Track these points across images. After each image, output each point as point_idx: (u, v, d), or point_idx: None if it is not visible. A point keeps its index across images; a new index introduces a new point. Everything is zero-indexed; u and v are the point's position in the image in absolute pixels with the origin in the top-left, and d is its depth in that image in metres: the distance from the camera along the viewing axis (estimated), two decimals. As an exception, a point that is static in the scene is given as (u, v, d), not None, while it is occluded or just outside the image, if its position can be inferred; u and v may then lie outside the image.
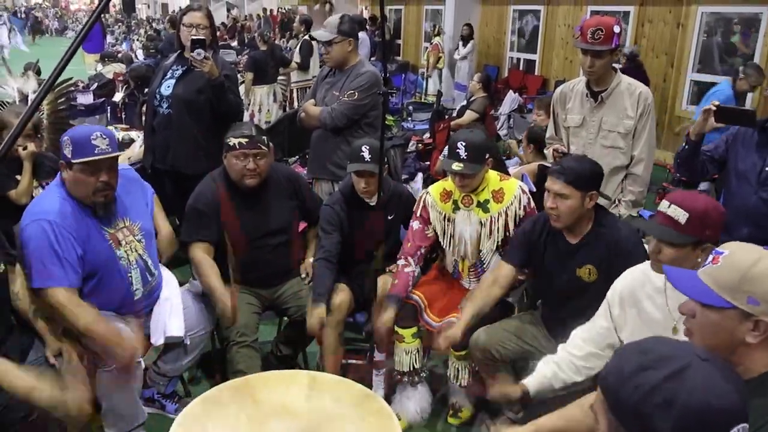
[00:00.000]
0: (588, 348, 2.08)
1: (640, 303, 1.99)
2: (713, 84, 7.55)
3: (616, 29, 2.76)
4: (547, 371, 2.10)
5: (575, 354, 2.09)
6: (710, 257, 1.36)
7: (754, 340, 1.28)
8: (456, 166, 2.56)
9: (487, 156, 2.63)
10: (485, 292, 2.55)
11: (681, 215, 1.79)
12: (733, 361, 1.28)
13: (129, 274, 2.40)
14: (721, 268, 1.31)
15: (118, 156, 2.32)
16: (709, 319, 1.32)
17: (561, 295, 2.46)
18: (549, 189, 2.33)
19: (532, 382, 2.10)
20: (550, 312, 2.56)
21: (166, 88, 3.38)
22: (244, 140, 2.69)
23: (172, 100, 3.35)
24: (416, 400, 2.77)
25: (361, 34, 8.62)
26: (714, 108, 2.47)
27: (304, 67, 8.32)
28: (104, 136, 2.26)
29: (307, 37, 8.45)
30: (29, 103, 4.26)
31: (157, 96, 3.41)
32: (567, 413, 1.76)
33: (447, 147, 2.67)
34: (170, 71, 3.43)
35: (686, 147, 2.63)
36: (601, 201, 2.47)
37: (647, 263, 2.02)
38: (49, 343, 2.19)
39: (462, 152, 2.55)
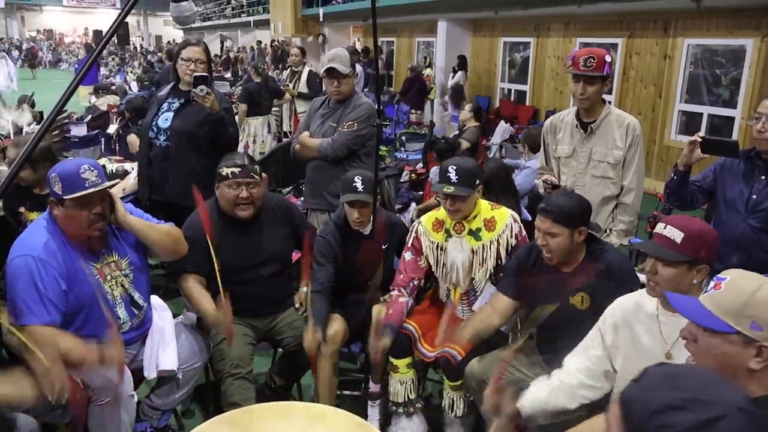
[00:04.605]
0: (582, 378, 2.08)
1: (633, 330, 2.00)
2: (701, 114, 7.71)
3: (607, 59, 2.84)
4: (542, 394, 2.09)
5: (569, 382, 2.08)
6: (711, 283, 1.37)
7: (757, 366, 1.28)
8: (447, 188, 2.60)
9: (477, 182, 2.66)
10: (484, 319, 2.57)
11: (677, 235, 1.83)
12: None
13: (115, 309, 2.39)
14: (723, 293, 1.32)
15: (108, 186, 2.31)
16: (711, 343, 1.31)
17: (555, 323, 2.47)
18: (538, 227, 2.37)
19: (526, 403, 2.08)
20: (545, 340, 2.56)
21: (164, 120, 3.39)
22: (236, 169, 2.71)
23: (170, 132, 3.36)
24: (411, 431, 2.75)
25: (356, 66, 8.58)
26: (699, 139, 2.53)
27: (310, 96, 8.17)
28: (92, 168, 2.25)
29: (310, 66, 8.41)
30: (24, 135, 4.28)
31: (154, 128, 3.42)
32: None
33: (438, 173, 2.71)
34: (166, 104, 3.44)
35: (675, 178, 2.67)
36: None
37: (639, 291, 2.04)
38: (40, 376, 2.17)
39: (453, 176, 2.59)
